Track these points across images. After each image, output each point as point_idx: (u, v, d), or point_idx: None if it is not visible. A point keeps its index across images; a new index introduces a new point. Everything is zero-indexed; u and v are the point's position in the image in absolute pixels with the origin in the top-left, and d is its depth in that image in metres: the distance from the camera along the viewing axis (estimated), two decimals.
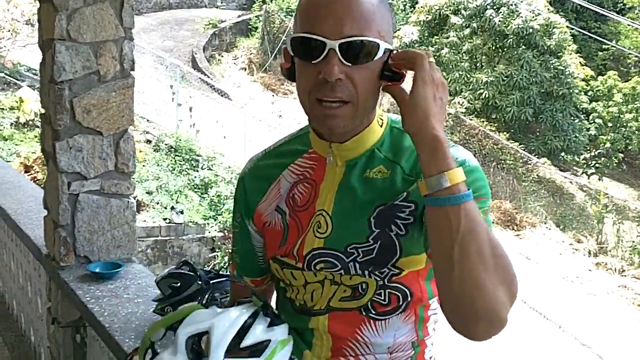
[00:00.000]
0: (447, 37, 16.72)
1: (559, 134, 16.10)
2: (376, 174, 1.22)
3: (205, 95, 14.17)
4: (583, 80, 17.14)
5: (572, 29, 18.16)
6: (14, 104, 10.25)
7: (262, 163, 1.35)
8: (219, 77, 16.41)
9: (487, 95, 15.83)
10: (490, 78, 15.88)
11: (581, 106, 16.85)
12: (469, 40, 16.54)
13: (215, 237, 8.77)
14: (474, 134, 15.30)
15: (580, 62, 17.26)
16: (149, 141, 10.81)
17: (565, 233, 13.95)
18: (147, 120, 11.51)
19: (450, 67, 16.12)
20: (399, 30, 17.23)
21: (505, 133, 15.84)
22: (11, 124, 9.92)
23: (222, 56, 17.83)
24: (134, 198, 2.91)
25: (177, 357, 1.17)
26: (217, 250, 8.70)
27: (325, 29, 1.10)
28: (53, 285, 2.93)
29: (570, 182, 16.03)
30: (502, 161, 15.08)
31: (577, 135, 16.15)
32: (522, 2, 16.49)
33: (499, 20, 16.20)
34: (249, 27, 19.06)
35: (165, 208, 8.80)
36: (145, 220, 8.34)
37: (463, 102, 16.06)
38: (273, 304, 1.41)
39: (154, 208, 8.78)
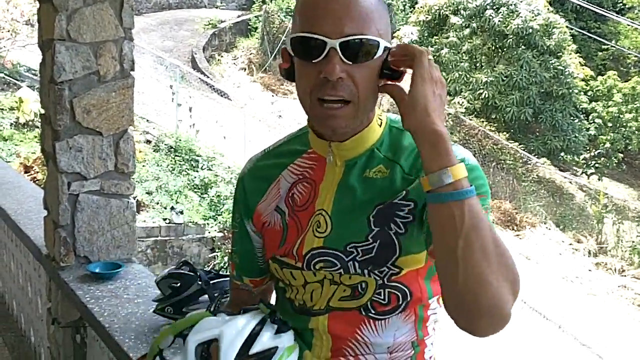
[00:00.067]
0: (447, 37, 16.72)
1: (559, 134, 16.10)
2: (376, 173, 1.22)
3: (205, 96, 14.17)
4: (583, 80, 17.14)
5: (572, 29, 18.18)
6: (13, 104, 10.25)
7: (262, 163, 1.35)
8: (218, 77, 16.42)
9: (486, 96, 15.83)
10: (490, 78, 15.88)
11: (581, 106, 16.85)
12: (469, 41, 16.55)
13: (215, 237, 8.77)
14: (474, 134, 15.30)
15: (580, 62, 17.26)
16: (148, 141, 10.82)
17: (565, 233, 13.95)
18: (147, 120, 11.51)
19: (450, 67, 16.12)
20: (398, 30, 17.25)
21: (505, 133, 15.84)
22: (11, 124, 9.93)
23: (221, 56, 17.83)
24: (134, 198, 2.91)
25: None
26: (217, 250, 8.70)
27: (326, 28, 1.11)
28: (53, 285, 2.93)
29: (570, 182, 16.04)
30: (502, 161, 15.08)
31: (577, 135, 16.16)
32: (521, 2, 16.49)
33: (499, 21, 16.21)
34: (249, 27, 19.06)
35: (165, 208, 8.80)
36: (145, 221, 8.34)
37: (463, 102, 16.07)
38: (272, 304, 1.41)
39: (153, 208, 8.79)
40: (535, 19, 16.16)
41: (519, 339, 8.34)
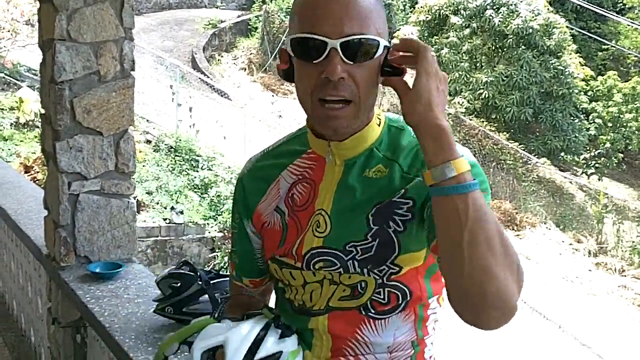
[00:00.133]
0: (447, 37, 16.72)
1: (559, 134, 16.10)
2: (375, 173, 1.22)
3: (205, 96, 14.16)
4: (583, 80, 17.14)
5: (572, 29, 18.17)
6: (13, 104, 10.25)
7: (261, 164, 1.35)
8: (218, 77, 16.41)
9: (486, 96, 15.83)
10: (490, 78, 15.88)
11: (581, 106, 16.85)
12: (469, 41, 16.55)
13: (215, 237, 8.77)
14: (474, 134, 15.30)
15: (580, 62, 17.26)
16: (148, 141, 10.82)
17: (565, 233, 13.95)
18: (147, 120, 11.51)
19: (450, 67, 16.11)
20: (398, 30, 17.25)
21: (505, 133, 15.84)
22: (11, 124, 9.93)
23: (221, 56, 17.83)
24: (134, 198, 2.91)
25: None
26: (217, 250, 8.70)
27: (326, 28, 1.11)
28: (53, 285, 2.93)
29: (570, 182, 16.04)
30: (502, 161, 15.08)
31: (577, 135, 16.16)
32: (521, 2, 16.49)
33: (499, 21, 16.21)
34: (249, 27, 19.06)
35: (165, 208, 8.80)
36: (145, 221, 8.34)
37: (463, 102, 16.07)
38: (272, 304, 1.42)
39: (154, 208, 8.79)
40: (535, 19, 16.16)
41: (519, 339, 8.34)
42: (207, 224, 8.90)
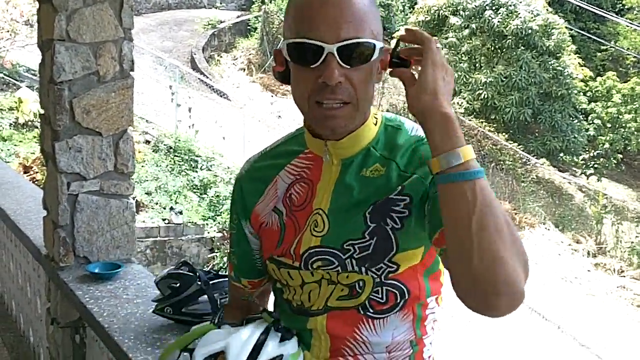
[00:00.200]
0: (446, 38, 16.72)
1: (558, 135, 16.11)
2: (372, 172, 1.23)
3: (204, 96, 14.16)
4: (582, 80, 17.15)
5: (571, 29, 18.18)
6: (13, 104, 10.26)
7: (259, 164, 1.36)
8: (218, 77, 16.41)
9: (486, 96, 15.84)
10: (489, 79, 15.89)
11: (580, 107, 16.86)
12: (468, 41, 16.55)
13: (214, 237, 8.77)
14: (473, 134, 15.30)
15: (579, 63, 17.27)
16: (148, 142, 10.82)
17: (564, 234, 13.96)
18: (147, 120, 11.51)
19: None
20: (398, 30, 17.25)
21: (504, 134, 15.85)
22: (10, 124, 9.93)
23: (221, 57, 17.83)
24: (133, 198, 2.91)
25: None
26: (216, 250, 8.70)
27: (322, 33, 1.11)
28: (52, 285, 2.93)
29: (569, 183, 16.04)
30: (501, 162, 15.09)
31: (576, 135, 16.17)
32: (521, 2, 16.50)
33: (498, 21, 16.22)
34: (248, 27, 19.06)
35: (165, 208, 8.81)
36: (144, 221, 8.34)
37: (462, 103, 16.08)
38: (271, 304, 1.42)
39: (153, 209, 8.79)
40: (534, 20, 16.17)
41: (518, 339, 8.34)
42: (206, 224, 8.91)
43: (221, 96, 14.54)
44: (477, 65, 16.61)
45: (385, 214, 1.20)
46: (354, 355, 1.26)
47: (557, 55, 16.28)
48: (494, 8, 16.51)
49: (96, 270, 2.68)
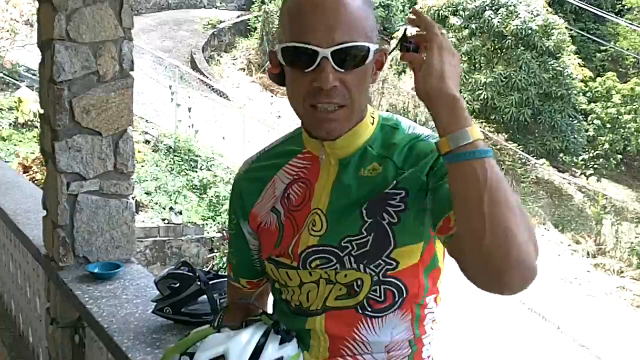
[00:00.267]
0: None
1: (558, 135, 16.10)
2: (370, 171, 1.23)
3: (204, 96, 14.15)
4: (582, 81, 17.13)
5: (571, 30, 18.17)
6: (12, 104, 10.25)
7: (257, 165, 1.36)
8: (217, 77, 16.41)
9: (485, 96, 15.84)
10: (489, 79, 15.89)
11: (580, 107, 16.85)
12: (468, 41, 16.55)
13: (214, 237, 8.77)
14: None
15: (578, 63, 17.25)
16: (147, 141, 10.81)
17: (564, 234, 13.95)
18: (146, 120, 11.51)
19: None
20: (397, 31, 17.25)
21: (503, 134, 15.85)
22: (10, 124, 9.93)
23: (221, 56, 17.83)
24: (133, 198, 2.91)
25: None
26: (215, 250, 8.69)
27: (316, 37, 1.11)
28: (52, 285, 2.93)
29: (569, 183, 16.04)
30: (501, 162, 15.08)
31: (576, 136, 16.16)
32: (520, 3, 16.50)
33: (498, 21, 16.21)
34: (248, 27, 19.06)
35: (164, 208, 8.80)
36: (144, 221, 8.34)
37: None
38: (270, 305, 1.42)
39: (152, 209, 8.78)
40: (534, 20, 16.16)
41: (517, 339, 8.34)
42: (206, 224, 8.90)
43: (221, 96, 14.53)
44: (476, 65, 16.62)
45: (382, 209, 1.20)
46: (353, 355, 1.26)
47: (557, 55, 16.28)
48: (493, 8, 16.50)
49: (96, 270, 2.68)
